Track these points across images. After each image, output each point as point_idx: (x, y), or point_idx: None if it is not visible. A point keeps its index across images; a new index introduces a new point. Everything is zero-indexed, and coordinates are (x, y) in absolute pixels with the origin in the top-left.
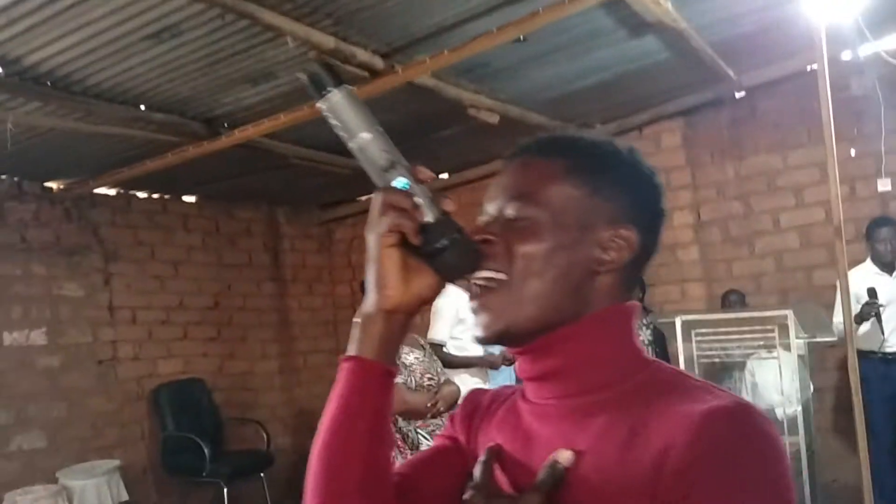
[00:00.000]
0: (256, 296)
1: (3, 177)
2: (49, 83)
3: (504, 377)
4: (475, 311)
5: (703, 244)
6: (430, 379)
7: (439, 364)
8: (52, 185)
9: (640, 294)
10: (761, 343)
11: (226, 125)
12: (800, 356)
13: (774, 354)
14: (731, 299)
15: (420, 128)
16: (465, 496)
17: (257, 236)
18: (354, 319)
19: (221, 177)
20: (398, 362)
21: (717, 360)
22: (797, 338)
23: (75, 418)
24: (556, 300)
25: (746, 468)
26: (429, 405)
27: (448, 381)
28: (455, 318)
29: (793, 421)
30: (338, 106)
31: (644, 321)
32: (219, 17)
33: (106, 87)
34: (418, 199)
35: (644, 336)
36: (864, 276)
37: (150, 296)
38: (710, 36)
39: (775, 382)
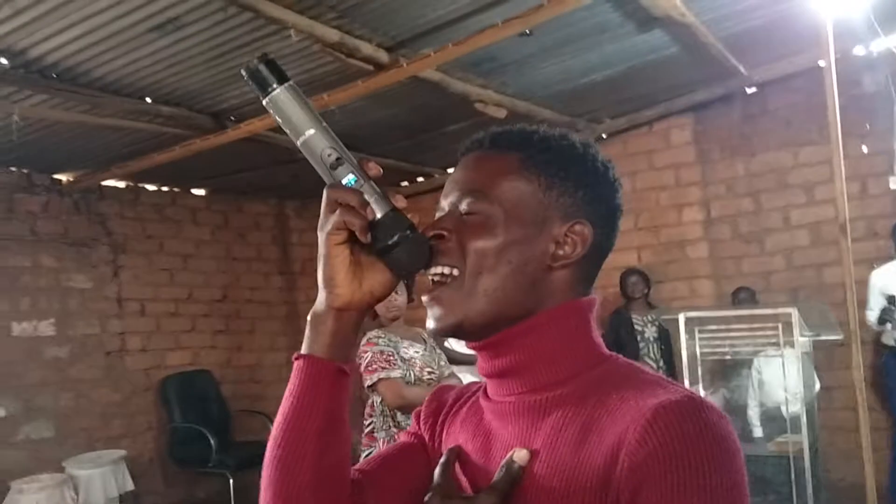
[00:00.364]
0: (265, 289)
1: (13, 169)
2: (55, 75)
3: None
4: (428, 304)
5: (713, 241)
6: (430, 373)
7: (443, 358)
8: (62, 177)
9: (644, 290)
10: (767, 341)
11: (232, 118)
12: (805, 354)
13: (779, 352)
14: (740, 296)
15: (426, 122)
16: (426, 498)
17: (266, 230)
18: (308, 318)
19: (230, 170)
20: (397, 356)
21: (720, 357)
22: (802, 336)
23: (83, 409)
24: (509, 295)
25: (696, 462)
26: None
27: (451, 376)
28: None
29: (798, 419)
30: (282, 103)
31: (649, 317)
32: (221, 9)
33: (112, 80)
34: (367, 196)
35: (649, 332)
36: (893, 274)
37: (159, 288)
38: (719, 31)
39: (781, 380)
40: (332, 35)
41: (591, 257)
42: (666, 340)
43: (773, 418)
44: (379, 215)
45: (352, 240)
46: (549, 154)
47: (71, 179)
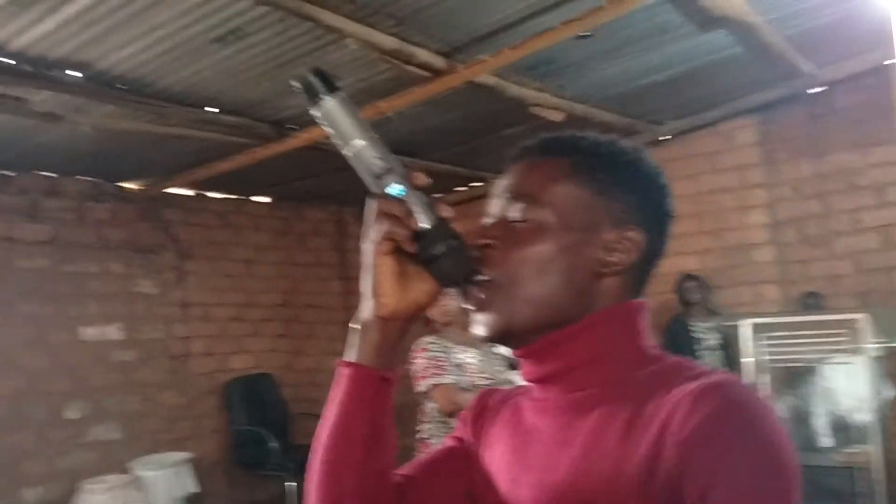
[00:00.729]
0: (324, 294)
1: (83, 178)
2: (123, 87)
3: None
4: (474, 310)
5: (779, 244)
6: (486, 379)
7: (500, 363)
8: (129, 185)
9: (702, 296)
10: (835, 347)
11: (293, 127)
12: (875, 360)
13: (848, 359)
14: (808, 302)
15: (482, 127)
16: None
17: (325, 236)
18: (351, 325)
19: (291, 178)
20: (450, 362)
21: (787, 365)
22: (872, 342)
23: (149, 411)
24: (556, 302)
25: (740, 437)
26: None
27: (507, 381)
28: None
29: (867, 428)
30: (331, 113)
31: (709, 324)
32: (281, 20)
33: (177, 90)
34: (413, 206)
35: (711, 341)
36: None
37: (222, 293)
38: (784, 29)
39: (848, 388)
40: (390, 42)
41: (642, 264)
42: (730, 348)
43: (841, 428)
44: (425, 225)
45: (397, 250)
46: (599, 159)
47: (138, 188)
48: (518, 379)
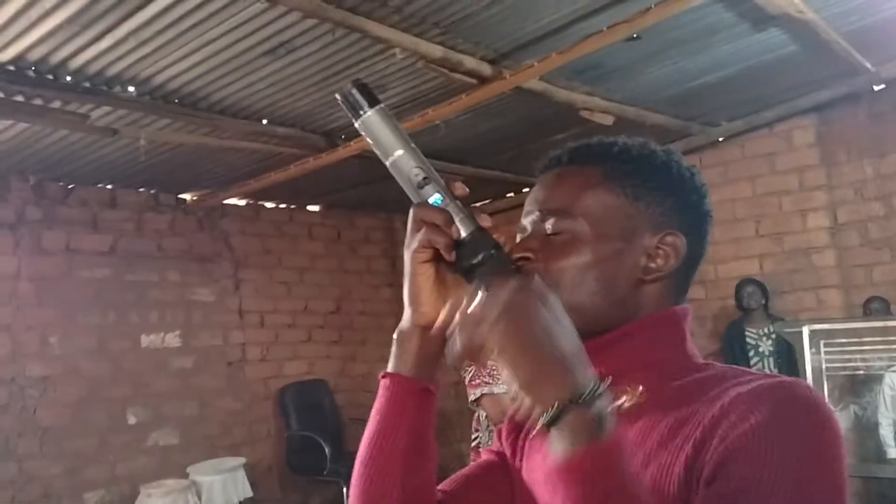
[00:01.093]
0: (375, 300)
1: (142, 190)
2: (177, 101)
3: None
4: None
5: (841, 248)
6: None
7: None
8: (186, 196)
9: (762, 301)
10: None
11: (343, 137)
12: None
13: None
14: (872, 306)
15: (531, 133)
16: None
17: (376, 243)
18: (394, 336)
19: (343, 187)
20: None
21: (850, 372)
22: None
23: (206, 417)
24: (597, 310)
25: (798, 436)
26: None
27: None
28: None
29: None
30: (372, 125)
31: (765, 330)
32: (329, 31)
33: (230, 103)
34: (453, 215)
35: (764, 347)
36: None
37: (277, 300)
38: (842, 26)
39: None
40: (436, 51)
41: (684, 268)
42: (786, 355)
43: None
44: (464, 234)
45: (437, 258)
46: (631, 164)
47: (195, 199)
48: None
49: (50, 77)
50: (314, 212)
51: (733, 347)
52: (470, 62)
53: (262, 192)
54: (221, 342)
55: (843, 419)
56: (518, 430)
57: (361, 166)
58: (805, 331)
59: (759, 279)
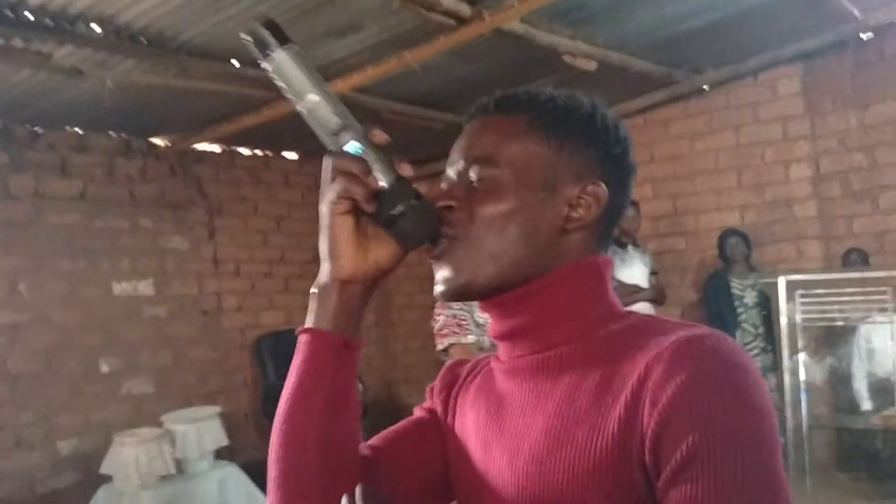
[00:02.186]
0: None
1: (112, 134)
2: (144, 40)
3: None
4: (435, 266)
5: (822, 199)
6: None
7: None
8: (158, 141)
9: (745, 253)
10: (878, 306)
11: None
12: None
13: (890, 319)
14: (851, 258)
15: (512, 78)
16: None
17: None
18: (311, 290)
19: None
20: (472, 320)
21: (826, 324)
22: None
23: (181, 366)
24: (519, 258)
25: (723, 391)
26: None
27: None
28: None
29: None
30: (283, 66)
31: (749, 281)
32: None
33: (198, 43)
34: (372, 164)
35: (749, 298)
36: None
37: (253, 249)
38: None
39: (890, 349)
40: None
41: (605, 218)
42: (767, 306)
43: (882, 390)
44: (384, 184)
45: (355, 210)
46: (557, 113)
47: (167, 144)
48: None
49: (9, 14)
50: (292, 160)
51: (718, 298)
52: (447, 1)
53: (236, 138)
54: (196, 291)
55: (819, 370)
56: (450, 387)
57: None
58: (781, 282)
59: (740, 230)
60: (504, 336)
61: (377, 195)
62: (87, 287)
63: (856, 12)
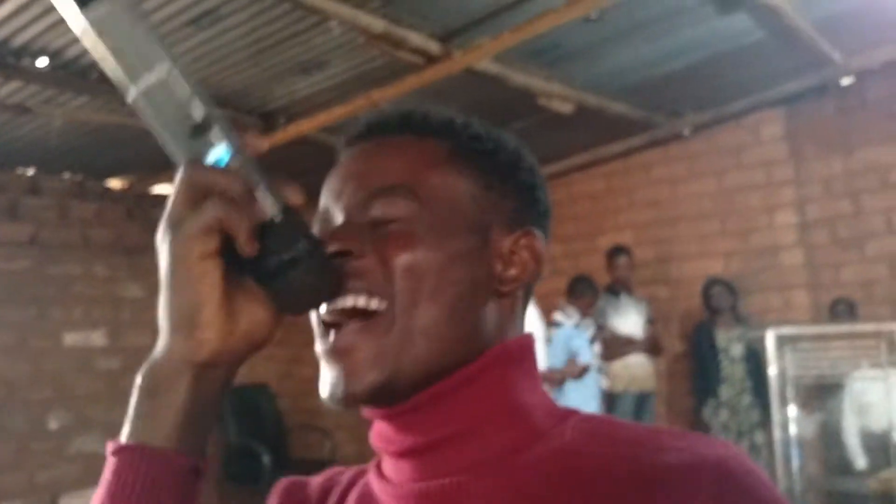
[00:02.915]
0: None
1: (66, 175)
2: (95, 76)
3: (575, 393)
4: (333, 358)
5: (808, 247)
6: None
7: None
8: (115, 183)
9: (731, 303)
10: (869, 360)
11: (283, 120)
12: None
13: (883, 373)
14: (838, 309)
15: (486, 119)
16: None
17: None
18: (137, 380)
19: (283, 175)
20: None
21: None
22: None
23: None
24: (454, 333)
25: None
26: None
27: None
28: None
29: None
30: (112, 26)
31: (735, 333)
32: (257, 0)
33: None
34: (252, 183)
35: (734, 351)
36: None
37: None
38: (809, 13)
39: (884, 404)
40: (377, 25)
41: (534, 281)
42: (756, 360)
43: (876, 448)
44: (271, 216)
45: (225, 252)
46: (481, 143)
47: (124, 186)
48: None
49: None
50: None
51: (702, 351)
52: (416, 39)
53: None
54: (152, 342)
55: (810, 424)
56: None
57: (300, 153)
58: (769, 336)
59: (725, 279)
60: (416, 450)
61: (260, 232)
62: (37, 337)
63: (836, 56)
